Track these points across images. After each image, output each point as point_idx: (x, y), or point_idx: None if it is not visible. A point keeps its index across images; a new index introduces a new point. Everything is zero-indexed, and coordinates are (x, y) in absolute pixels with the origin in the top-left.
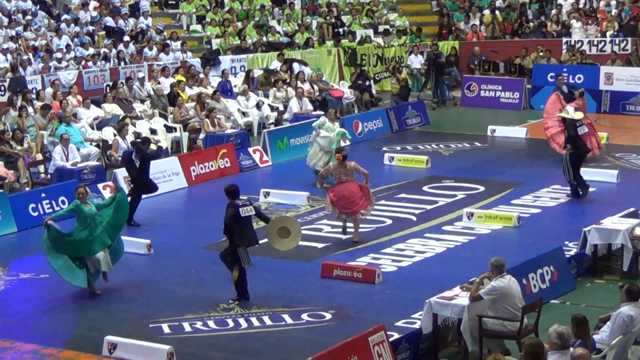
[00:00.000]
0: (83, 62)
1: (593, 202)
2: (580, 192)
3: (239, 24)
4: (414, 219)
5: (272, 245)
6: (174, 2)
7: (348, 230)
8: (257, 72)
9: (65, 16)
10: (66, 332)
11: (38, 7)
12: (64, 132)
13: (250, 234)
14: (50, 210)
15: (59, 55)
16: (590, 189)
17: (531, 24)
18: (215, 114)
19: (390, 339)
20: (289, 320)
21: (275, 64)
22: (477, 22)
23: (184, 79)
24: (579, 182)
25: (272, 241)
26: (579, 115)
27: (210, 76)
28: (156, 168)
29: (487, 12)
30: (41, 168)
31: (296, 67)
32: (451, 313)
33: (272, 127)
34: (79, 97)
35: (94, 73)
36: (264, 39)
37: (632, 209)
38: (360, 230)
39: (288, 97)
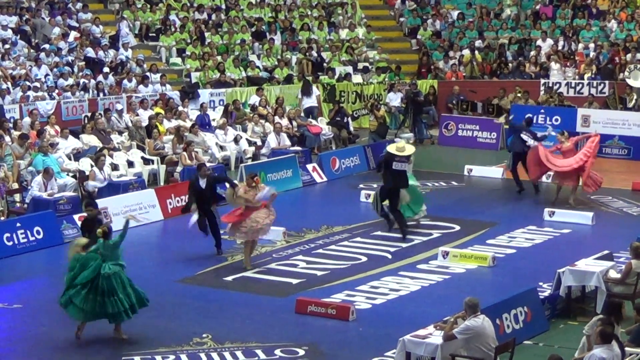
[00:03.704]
0: (56, 91)
1: (567, 243)
2: (389, 225)
3: (219, 58)
4: (389, 256)
5: None
6: (154, 35)
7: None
8: None
9: (45, 46)
10: None
11: (18, 36)
12: (42, 162)
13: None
14: (25, 240)
15: (37, 84)
16: (565, 231)
17: (510, 64)
18: (193, 147)
19: None
20: (262, 356)
21: (254, 99)
22: (456, 62)
23: (163, 112)
24: (385, 215)
25: None
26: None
27: (189, 109)
28: (132, 200)
29: (466, 51)
30: (17, 197)
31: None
32: (424, 352)
33: (250, 162)
34: (57, 127)
35: (73, 103)
36: (244, 74)
37: (606, 252)
38: (335, 267)
39: (266, 132)
